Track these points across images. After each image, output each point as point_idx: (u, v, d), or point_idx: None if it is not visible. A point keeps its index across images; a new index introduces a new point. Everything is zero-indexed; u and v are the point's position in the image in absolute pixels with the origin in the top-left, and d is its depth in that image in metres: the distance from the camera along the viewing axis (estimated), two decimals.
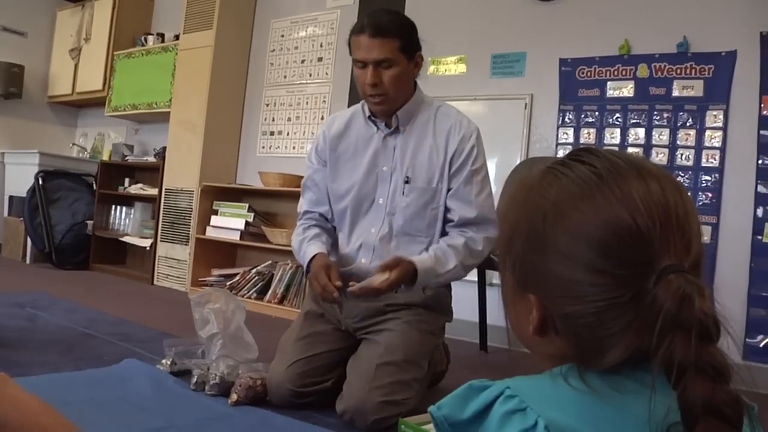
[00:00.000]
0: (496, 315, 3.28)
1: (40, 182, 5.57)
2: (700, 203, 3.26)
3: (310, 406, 2.16)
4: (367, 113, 2.31)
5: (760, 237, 3.14)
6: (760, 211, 3.14)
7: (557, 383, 0.63)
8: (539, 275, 0.68)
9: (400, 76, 2.17)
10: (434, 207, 2.24)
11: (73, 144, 6.69)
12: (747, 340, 3.12)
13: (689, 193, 3.12)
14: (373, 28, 2.11)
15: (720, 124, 3.25)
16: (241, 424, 1.95)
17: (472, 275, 2.88)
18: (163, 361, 2.44)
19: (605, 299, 0.63)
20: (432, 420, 0.64)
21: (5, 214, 6.13)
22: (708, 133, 3.28)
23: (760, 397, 0.70)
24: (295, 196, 4.51)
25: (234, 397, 2.12)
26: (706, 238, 3.22)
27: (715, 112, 3.27)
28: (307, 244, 2.29)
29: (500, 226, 0.75)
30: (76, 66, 6.30)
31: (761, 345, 3.11)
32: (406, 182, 2.24)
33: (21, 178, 5.81)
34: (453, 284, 2.36)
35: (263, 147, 5.08)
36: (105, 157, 6.10)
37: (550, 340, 0.69)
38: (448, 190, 2.23)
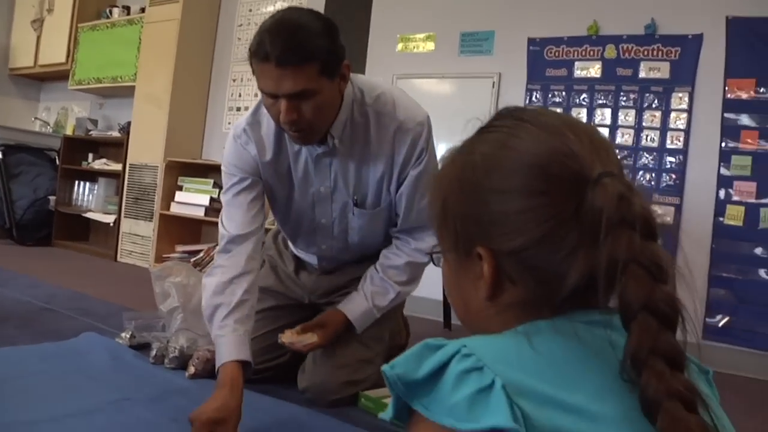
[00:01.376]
0: None
1: (1, 156, 5.44)
2: (664, 184, 3.30)
3: (268, 379, 2.13)
4: None
5: (721, 219, 3.19)
6: (722, 193, 3.18)
7: (516, 341, 0.61)
8: (483, 222, 0.68)
9: (324, 103, 1.70)
10: (389, 217, 2.03)
11: (36, 118, 6.55)
12: (707, 319, 3.17)
13: (653, 174, 3.17)
14: (279, 55, 1.56)
15: (685, 107, 3.28)
16: (199, 397, 1.92)
17: None
18: (122, 334, 2.41)
19: (549, 218, 0.63)
20: (385, 380, 0.62)
21: None
22: (673, 114, 3.31)
23: (720, 375, 0.71)
24: None
25: (192, 369, 2.09)
26: (668, 218, 3.25)
27: (680, 95, 3.29)
28: (220, 325, 1.79)
29: (432, 199, 0.75)
30: (38, 38, 6.15)
31: (720, 325, 3.16)
32: (356, 205, 1.97)
33: None
34: None
35: (229, 123, 5.02)
36: (68, 132, 6.00)
37: (504, 297, 0.68)
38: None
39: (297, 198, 1.99)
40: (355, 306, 2.01)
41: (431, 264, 0.84)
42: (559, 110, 3.58)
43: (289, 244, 2.28)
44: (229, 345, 1.75)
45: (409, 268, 2.02)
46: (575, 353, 0.60)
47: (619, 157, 0.68)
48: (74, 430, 1.59)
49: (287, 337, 1.92)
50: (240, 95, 4.97)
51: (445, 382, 0.58)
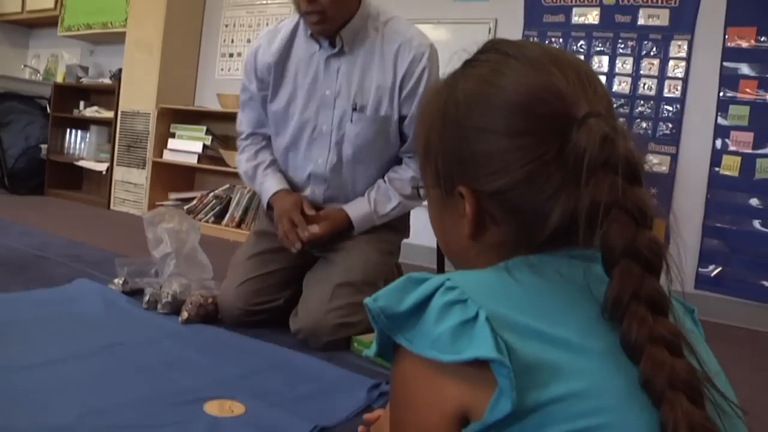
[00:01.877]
0: None
1: None
2: (660, 133, 3.27)
3: (261, 324, 2.14)
4: (309, 30, 2.07)
5: (717, 169, 3.17)
6: (719, 143, 3.17)
7: (500, 275, 0.61)
8: (465, 162, 0.67)
9: None
10: (385, 134, 2.10)
11: (25, 65, 6.46)
12: (699, 269, 3.18)
13: (649, 123, 3.15)
14: None
15: (684, 55, 3.24)
16: (192, 342, 1.93)
17: None
18: (115, 280, 2.41)
19: (533, 160, 0.62)
20: (368, 313, 0.61)
21: None
22: (672, 63, 3.27)
23: (711, 325, 0.70)
24: None
25: (184, 314, 2.09)
26: (664, 168, 3.24)
27: (679, 42, 3.25)
28: (263, 174, 2.21)
29: (417, 134, 0.74)
30: None
31: (713, 275, 3.17)
32: (354, 109, 2.06)
33: None
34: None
35: (222, 69, 4.96)
36: (59, 79, 5.92)
37: (487, 237, 0.68)
38: (400, 117, 2.08)
39: (301, 105, 2.11)
40: (358, 207, 2.13)
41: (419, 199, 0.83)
42: None
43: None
44: (274, 182, 2.17)
45: (413, 182, 2.12)
46: (559, 288, 0.60)
47: (604, 89, 0.66)
48: (68, 374, 1.59)
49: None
50: (233, 41, 4.89)
51: (429, 315, 0.58)
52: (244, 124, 2.29)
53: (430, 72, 2.03)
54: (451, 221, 0.70)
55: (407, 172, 2.14)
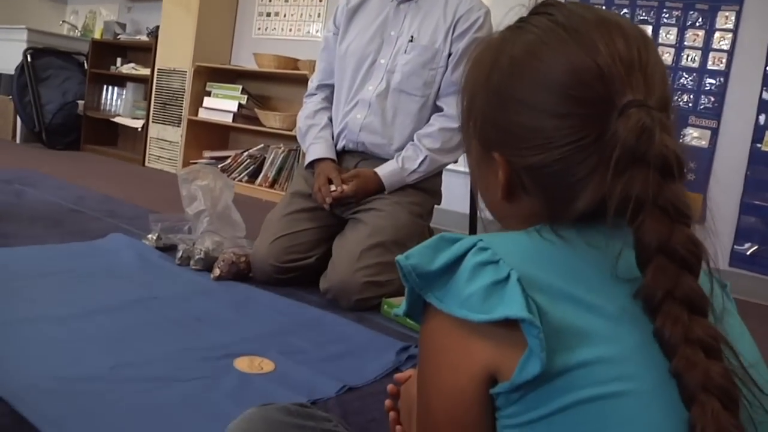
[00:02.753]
0: None
1: (29, 60, 5.38)
2: (702, 107, 3.20)
3: (292, 283, 2.16)
4: None
5: (759, 145, 3.10)
6: (762, 119, 3.09)
7: (533, 238, 0.61)
8: (503, 130, 0.65)
9: None
10: (432, 68, 2.21)
11: (63, 21, 6.48)
12: (735, 247, 3.13)
13: (691, 96, 3.08)
14: None
15: (731, 26, 3.15)
16: (223, 298, 1.96)
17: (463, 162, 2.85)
18: (149, 236, 2.43)
19: (570, 143, 0.60)
20: (399, 271, 0.61)
21: None
22: (717, 34, 3.18)
23: (744, 303, 0.68)
24: (291, 79, 4.43)
25: (216, 271, 2.11)
26: (704, 142, 3.17)
27: (727, 13, 3.16)
28: (315, 138, 2.32)
29: (462, 90, 0.72)
30: None
31: (748, 253, 3.11)
32: (410, 41, 2.22)
33: (8, 56, 5.61)
34: (444, 173, 2.34)
35: (259, 28, 4.93)
36: (96, 36, 5.93)
37: (518, 204, 0.67)
38: (449, 54, 2.21)
39: (366, 41, 2.28)
40: (386, 165, 2.22)
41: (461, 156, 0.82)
42: None
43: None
44: (323, 148, 2.28)
45: (441, 134, 2.19)
46: (589, 255, 0.59)
47: (660, 74, 0.63)
48: (102, 326, 1.62)
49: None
50: (270, 0, 4.86)
51: (461, 275, 0.58)
52: (315, 78, 2.48)
53: (483, 23, 2.21)
54: (486, 180, 0.70)
55: (434, 125, 2.22)
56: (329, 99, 2.42)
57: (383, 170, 2.20)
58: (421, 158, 2.18)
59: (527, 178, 0.64)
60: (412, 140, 2.23)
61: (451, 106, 2.20)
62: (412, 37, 2.23)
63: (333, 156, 2.28)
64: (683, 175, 0.57)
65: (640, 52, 0.61)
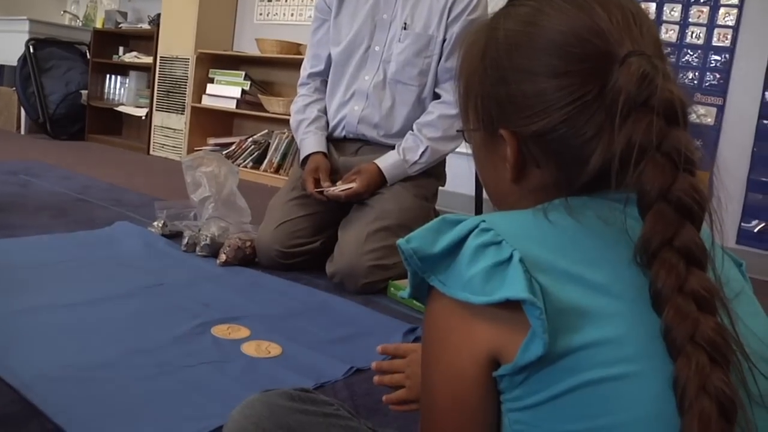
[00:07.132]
0: None
1: (31, 50, 5.38)
2: (707, 84, 3.18)
3: (298, 267, 2.16)
4: None
5: (765, 121, 3.08)
6: None
7: (537, 217, 0.59)
8: (504, 103, 0.64)
9: None
10: (427, 55, 2.18)
11: (65, 11, 6.47)
12: (742, 224, 3.12)
13: (696, 73, 3.06)
14: None
15: (736, 2, 3.12)
16: (230, 284, 1.96)
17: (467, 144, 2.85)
18: (155, 223, 2.44)
19: (572, 101, 0.59)
20: (401, 255, 0.60)
21: None
22: (722, 10, 3.15)
23: (752, 280, 0.67)
24: (293, 64, 4.41)
25: (222, 257, 2.12)
26: (710, 119, 3.15)
27: None
28: (305, 132, 2.30)
29: (458, 74, 0.71)
30: None
31: (756, 230, 3.10)
32: (404, 28, 2.19)
33: (10, 47, 5.60)
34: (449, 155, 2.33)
35: (261, 14, 4.91)
36: (98, 25, 5.92)
37: (528, 181, 0.66)
38: (444, 40, 2.18)
39: (358, 25, 2.24)
40: (387, 157, 2.19)
41: (462, 143, 0.81)
42: None
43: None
44: (313, 141, 2.26)
45: (440, 122, 2.17)
46: (596, 230, 0.58)
47: (654, 30, 0.62)
48: (110, 313, 1.63)
49: (327, 186, 2.14)
50: None
51: (463, 257, 0.57)
52: (306, 65, 2.44)
53: (477, 4, 2.17)
54: (493, 165, 0.69)
55: (433, 114, 2.20)
56: (321, 89, 2.40)
57: (385, 162, 2.18)
58: (422, 149, 2.17)
59: (536, 148, 0.63)
60: (412, 129, 2.22)
61: (449, 92, 2.18)
62: (405, 24, 2.19)
63: (323, 148, 2.25)
64: (687, 123, 0.56)
65: (634, 12, 0.62)
